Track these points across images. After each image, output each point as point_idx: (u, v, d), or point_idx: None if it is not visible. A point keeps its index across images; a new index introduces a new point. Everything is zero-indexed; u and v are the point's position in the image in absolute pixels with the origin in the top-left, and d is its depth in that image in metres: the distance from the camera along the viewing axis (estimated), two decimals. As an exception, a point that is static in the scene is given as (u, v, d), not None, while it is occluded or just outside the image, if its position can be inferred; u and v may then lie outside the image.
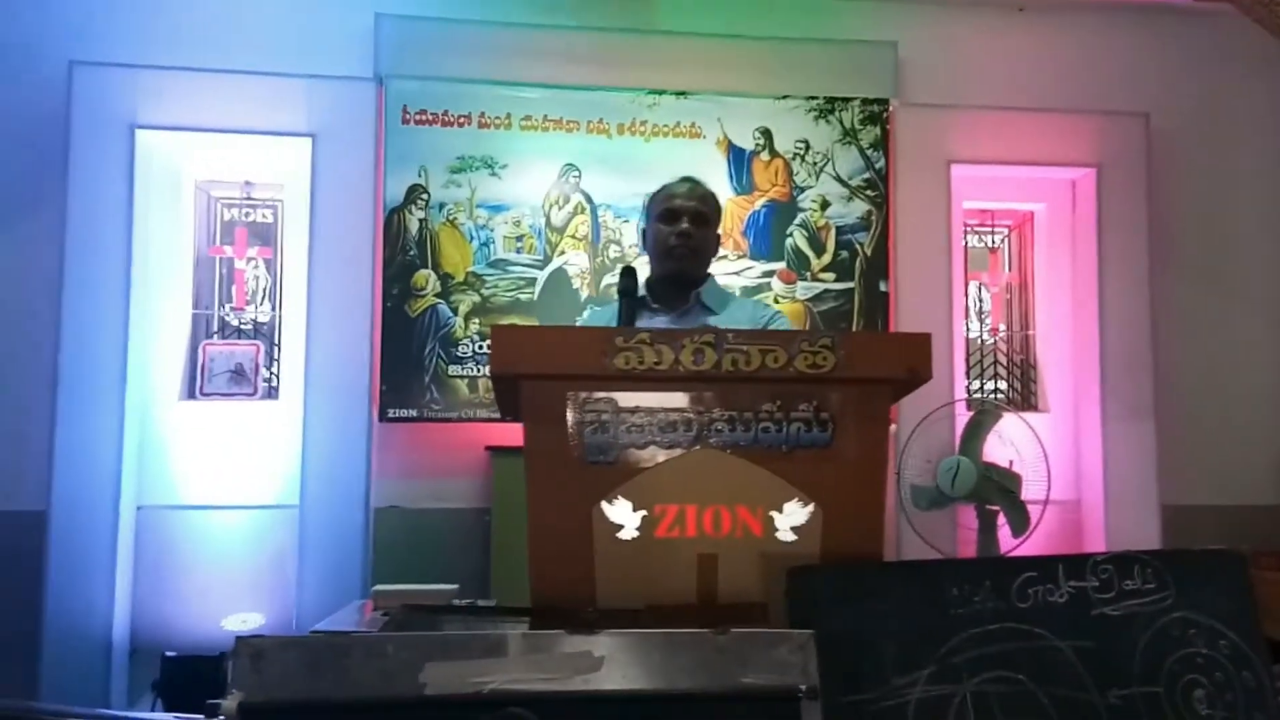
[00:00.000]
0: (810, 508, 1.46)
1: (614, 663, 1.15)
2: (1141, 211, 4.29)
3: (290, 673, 1.13)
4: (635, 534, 1.44)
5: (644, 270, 2.29)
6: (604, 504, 1.44)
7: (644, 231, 2.34)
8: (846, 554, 1.44)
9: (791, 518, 1.46)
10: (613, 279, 4.00)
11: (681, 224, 2.22)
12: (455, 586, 1.48)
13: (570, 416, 1.44)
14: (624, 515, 1.45)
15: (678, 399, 1.46)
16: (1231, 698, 1.41)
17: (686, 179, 2.35)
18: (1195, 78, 4.47)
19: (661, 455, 1.45)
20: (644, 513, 1.45)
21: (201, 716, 1.11)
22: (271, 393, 4.12)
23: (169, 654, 3.40)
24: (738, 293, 3.90)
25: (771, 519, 1.46)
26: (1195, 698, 1.40)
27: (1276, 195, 4.50)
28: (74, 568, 3.65)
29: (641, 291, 2.26)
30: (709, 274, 2.32)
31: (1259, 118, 4.49)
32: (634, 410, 1.45)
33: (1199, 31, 4.35)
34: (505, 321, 3.91)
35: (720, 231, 2.37)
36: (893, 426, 3.67)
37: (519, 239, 3.98)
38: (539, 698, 1.12)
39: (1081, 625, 1.42)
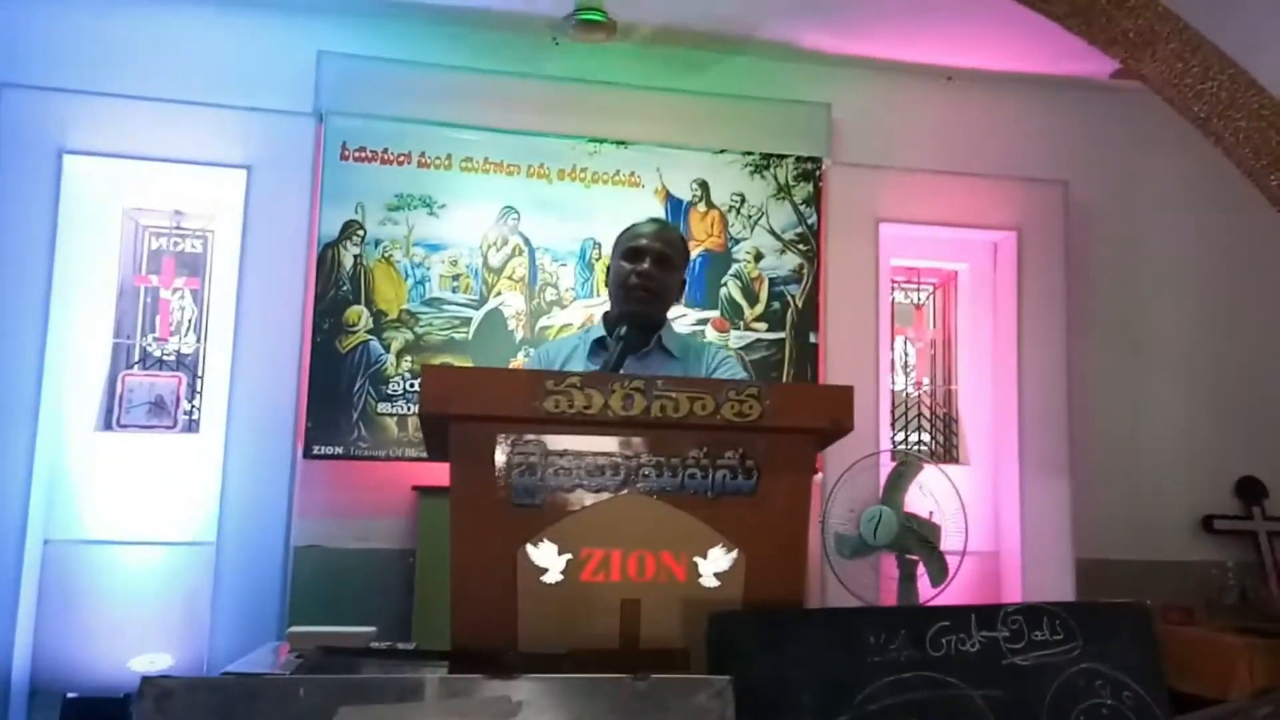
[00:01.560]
0: (734, 554, 1.48)
1: (532, 708, 1.14)
2: (1059, 275, 4.46)
3: (197, 715, 1.10)
4: (560, 577, 1.44)
5: (603, 308, 2.26)
6: (529, 546, 1.44)
7: (609, 269, 2.33)
8: (769, 600, 1.46)
9: (715, 564, 1.48)
10: (548, 321, 4.01)
11: (643, 264, 2.19)
12: (373, 629, 1.46)
13: (499, 458, 1.44)
14: (549, 558, 1.45)
15: (606, 443, 1.47)
16: (1133, 748, 1.45)
17: (655, 220, 2.35)
18: (1112, 150, 4.69)
19: (589, 499, 1.46)
20: (569, 556, 1.45)
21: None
22: (192, 426, 4.02)
23: (70, 695, 3.25)
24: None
25: (695, 565, 1.47)
26: (1099, 747, 1.44)
27: (1186, 264, 4.72)
28: (-28, 604, 3.49)
29: (601, 333, 2.26)
30: (666, 318, 2.31)
31: (1170, 190, 4.72)
32: (562, 453, 1.46)
33: (1116, 107, 4.57)
34: (438, 360, 3.88)
35: (685, 277, 2.36)
36: (818, 476, 3.73)
37: (455, 278, 3.97)
38: (455, 742, 1.11)
39: (993, 674, 1.46)
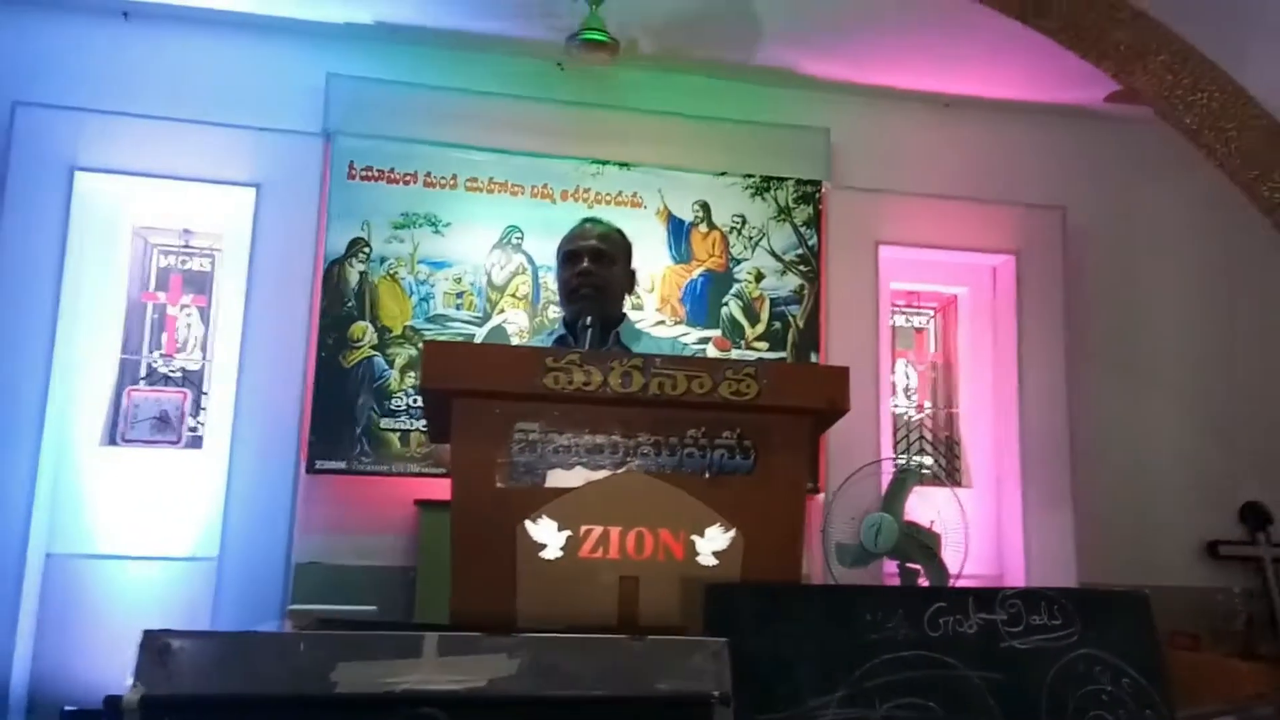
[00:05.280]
0: (731, 533, 1.49)
1: (528, 666, 1.15)
2: (1058, 299, 4.49)
3: (197, 667, 1.12)
4: (559, 554, 1.45)
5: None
6: (528, 523, 1.45)
7: (557, 279, 2.37)
8: (766, 579, 1.47)
9: (713, 542, 1.49)
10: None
11: (582, 263, 2.22)
12: (374, 608, 1.46)
13: (500, 434, 1.46)
14: (548, 535, 1.46)
15: (605, 421, 1.48)
16: (1133, 732, 1.45)
17: (589, 219, 2.35)
18: (1110, 177, 4.73)
19: (588, 476, 1.48)
20: (568, 533, 1.46)
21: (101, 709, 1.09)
22: (196, 442, 4.03)
23: (68, 709, 3.22)
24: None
25: (693, 543, 1.48)
26: (1099, 731, 1.44)
27: (1184, 290, 4.74)
28: (-27, 615, 3.49)
29: (562, 331, 2.28)
30: (625, 314, 2.32)
31: (1169, 218, 4.75)
32: (562, 430, 1.47)
33: (1112, 133, 4.62)
34: (441, 378, 3.89)
35: (634, 268, 2.36)
36: (820, 495, 3.73)
37: (459, 295, 4.01)
38: (451, 699, 1.12)
39: (990, 657, 1.46)
